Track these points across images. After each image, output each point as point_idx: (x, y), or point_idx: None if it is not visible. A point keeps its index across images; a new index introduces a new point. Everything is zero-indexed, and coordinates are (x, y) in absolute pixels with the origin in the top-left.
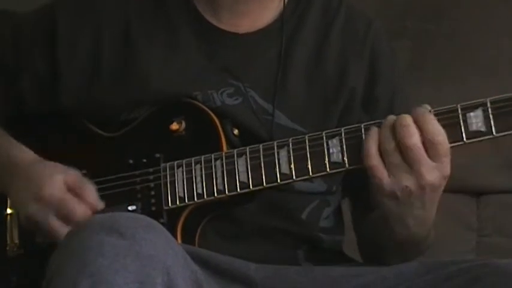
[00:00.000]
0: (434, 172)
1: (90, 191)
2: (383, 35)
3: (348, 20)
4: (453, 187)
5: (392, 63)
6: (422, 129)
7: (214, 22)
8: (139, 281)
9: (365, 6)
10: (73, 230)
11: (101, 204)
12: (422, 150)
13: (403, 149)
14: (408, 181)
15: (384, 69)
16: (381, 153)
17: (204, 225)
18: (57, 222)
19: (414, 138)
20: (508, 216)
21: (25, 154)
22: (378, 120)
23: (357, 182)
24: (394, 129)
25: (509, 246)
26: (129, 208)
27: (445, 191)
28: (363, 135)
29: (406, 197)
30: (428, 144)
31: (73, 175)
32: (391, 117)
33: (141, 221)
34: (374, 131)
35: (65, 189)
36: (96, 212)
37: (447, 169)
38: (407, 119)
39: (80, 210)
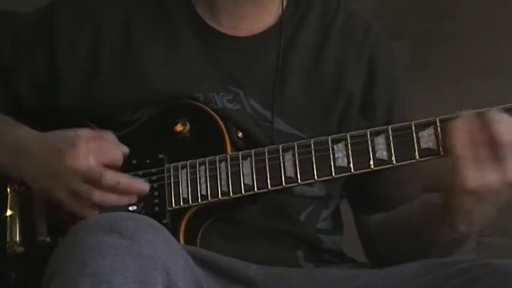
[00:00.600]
0: None
1: (112, 142)
2: (382, 38)
3: (347, 23)
4: None
5: (391, 67)
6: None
7: (213, 25)
8: (139, 281)
9: (365, 7)
10: (72, 231)
11: (125, 149)
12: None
13: (496, 144)
14: (493, 177)
15: (383, 73)
16: (467, 147)
17: (206, 226)
18: (86, 187)
19: (509, 136)
20: (508, 216)
21: (27, 131)
22: (383, 126)
23: (359, 185)
24: (486, 123)
25: (509, 246)
26: (130, 208)
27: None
28: (369, 141)
29: (485, 193)
30: None
31: (88, 133)
32: (478, 111)
33: (141, 221)
34: (463, 121)
35: (88, 149)
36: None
37: None
38: (504, 116)
39: (107, 176)
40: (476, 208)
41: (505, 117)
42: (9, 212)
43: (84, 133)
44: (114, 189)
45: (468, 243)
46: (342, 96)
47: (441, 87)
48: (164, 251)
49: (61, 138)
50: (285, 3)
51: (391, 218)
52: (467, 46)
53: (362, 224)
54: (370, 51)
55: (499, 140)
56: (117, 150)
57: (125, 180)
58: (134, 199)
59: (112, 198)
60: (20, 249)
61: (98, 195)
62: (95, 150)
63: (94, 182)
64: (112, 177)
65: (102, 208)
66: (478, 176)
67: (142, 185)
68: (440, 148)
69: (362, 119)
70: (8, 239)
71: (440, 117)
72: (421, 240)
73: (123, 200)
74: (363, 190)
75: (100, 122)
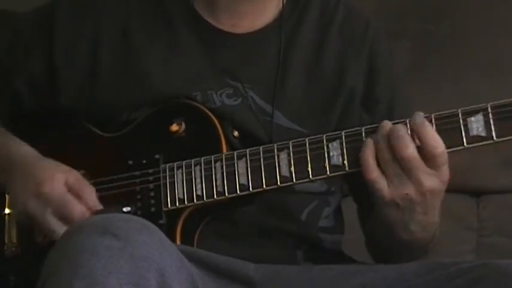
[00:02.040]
0: (433, 179)
1: (90, 193)
2: (382, 35)
3: (347, 19)
4: (453, 187)
5: (391, 64)
6: (421, 140)
7: (213, 22)
8: (133, 283)
9: (365, 6)
10: (67, 232)
11: (99, 207)
12: (419, 160)
13: (399, 160)
14: (408, 189)
15: (384, 69)
16: (379, 163)
17: (203, 226)
18: (54, 220)
19: (410, 150)
20: (508, 216)
21: (25, 150)
22: (378, 124)
23: (359, 181)
24: (389, 139)
25: (509, 246)
26: (124, 210)
27: (445, 190)
28: (364, 139)
29: (407, 204)
30: (426, 156)
31: (74, 175)
32: (387, 126)
33: (135, 222)
34: (370, 142)
35: (65, 189)
36: (93, 213)
37: (446, 175)
38: (402, 130)
39: (78, 210)
40: (404, 217)
41: (404, 132)
42: (7, 211)
43: (59, 182)
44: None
45: (468, 243)
46: (343, 92)
47: (441, 87)
48: (158, 252)
49: (35, 176)
50: (284, 0)
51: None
52: (467, 46)
53: (365, 220)
54: (370, 47)
55: (401, 155)
56: (79, 210)
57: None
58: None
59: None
60: (18, 250)
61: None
62: (55, 203)
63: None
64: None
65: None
66: (393, 190)
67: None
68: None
69: (365, 114)
70: (6, 241)
71: (436, 114)
72: (390, 241)
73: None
74: (363, 187)
75: (99, 122)
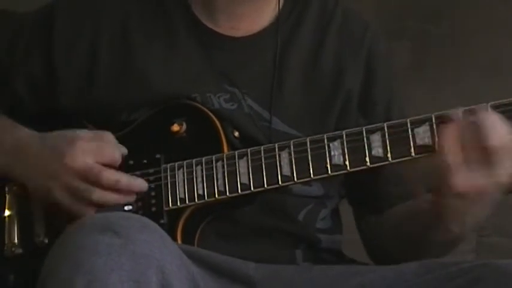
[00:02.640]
0: (508, 172)
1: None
2: (380, 37)
3: (344, 22)
4: None
5: (389, 65)
6: (502, 131)
7: (211, 26)
8: (134, 280)
9: (364, 6)
10: (67, 230)
11: (124, 150)
12: (503, 152)
13: (487, 149)
14: (484, 180)
15: (381, 72)
16: (457, 149)
17: (204, 225)
18: (84, 185)
19: (499, 140)
20: (508, 216)
21: (24, 132)
22: (379, 124)
23: (359, 184)
24: (477, 127)
25: (509, 246)
26: (125, 208)
27: None
28: (365, 138)
29: (476, 196)
30: (507, 147)
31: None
32: (469, 112)
33: (136, 220)
34: (453, 125)
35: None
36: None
37: None
38: (495, 120)
39: (106, 175)
40: (466, 209)
41: (497, 121)
42: (7, 213)
43: (83, 133)
44: (113, 187)
45: (468, 243)
46: (340, 95)
47: (441, 86)
48: (159, 250)
49: (60, 139)
50: (281, 3)
51: (395, 216)
52: (467, 46)
53: (363, 223)
54: (368, 50)
55: (489, 145)
56: (116, 150)
57: (124, 178)
58: (133, 198)
59: (111, 197)
60: (19, 250)
61: (97, 194)
62: (93, 150)
63: (93, 181)
64: (111, 176)
65: (101, 207)
66: (467, 178)
67: (141, 184)
68: (436, 145)
69: (361, 117)
70: (6, 241)
71: (436, 113)
72: (423, 238)
73: (122, 198)
74: (362, 189)
75: (98, 122)
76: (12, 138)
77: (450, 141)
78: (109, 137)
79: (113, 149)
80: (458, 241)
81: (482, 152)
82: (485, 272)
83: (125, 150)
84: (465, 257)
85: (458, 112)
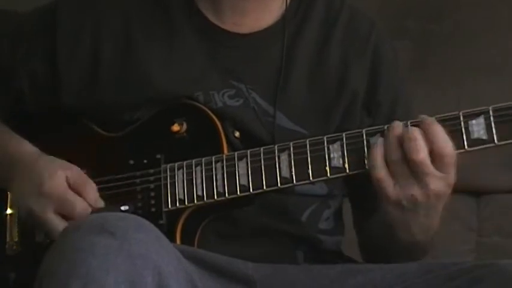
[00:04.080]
0: (440, 182)
1: (91, 189)
2: (386, 37)
3: (351, 20)
4: (453, 187)
5: (394, 66)
6: (430, 140)
7: (216, 22)
8: (130, 281)
9: (366, 5)
10: (63, 232)
11: (101, 203)
12: (429, 165)
13: (410, 163)
14: (414, 190)
15: (386, 72)
16: (387, 162)
17: (204, 226)
18: (56, 217)
19: (422, 154)
20: (508, 216)
21: (26, 148)
22: (379, 126)
23: (357, 184)
24: (401, 140)
25: (509, 246)
26: (122, 208)
27: None
28: (365, 141)
29: (411, 206)
30: (436, 156)
31: (75, 172)
32: (398, 126)
33: (132, 220)
34: (381, 141)
35: (66, 186)
36: (94, 209)
37: (452, 178)
38: (415, 133)
39: (80, 207)
40: (407, 219)
41: (426, 128)
42: (9, 211)
43: (60, 179)
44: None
45: (468, 243)
46: (345, 93)
47: (442, 86)
48: (156, 250)
49: (37, 174)
50: (288, 0)
51: (377, 220)
52: (468, 45)
53: (360, 223)
54: (374, 49)
55: (413, 158)
56: (81, 205)
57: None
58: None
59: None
60: (20, 249)
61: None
62: (57, 201)
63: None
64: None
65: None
66: (399, 190)
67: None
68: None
69: (366, 116)
70: (7, 239)
71: (437, 116)
72: (387, 243)
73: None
74: (360, 189)
75: (100, 121)
76: (10, 151)
77: (379, 156)
78: (91, 192)
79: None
80: (417, 249)
81: (407, 165)
82: (485, 272)
83: (101, 204)
84: (465, 257)
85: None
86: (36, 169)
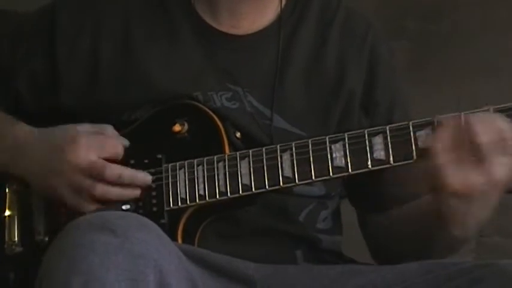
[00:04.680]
0: (503, 169)
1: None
2: (382, 37)
3: (347, 20)
4: None
5: (391, 66)
6: (491, 126)
7: (213, 24)
8: (131, 279)
9: (364, 6)
10: (64, 230)
11: (125, 142)
12: (493, 148)
13: (474, 147)
14: (477, 178)
15: (384, 72)
16: (448, 150)
17: (204, 226)
18: (85, 178)
19: (487, 136)
20: (508, 216)
21: (30, 128)
22: (382, 126)
23: (358, 184)
24: (462, 128)
25: (509, 246)
26: (123, 207)
27: None
28: (367, 141)
29: (470, 194)
30: (497, 142)
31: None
32: (453, 117)
33: (133, 219)
34: (441, 129)
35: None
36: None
37: None
38: (476, 119)
39: (110, 169)
40: (465, 210)
41: (486, 118)
42: (7, 212)
43: (84, 128)
44: (117, 182)
45: (468, 243)
46: (343, 94)
47: (441, 86)
48: (156, 249)
49: (61, 135)
50: (283, 1)
51: (397, 216)
52: (467, 46)
53: (366, 223)
54: (370, 49)
55: (477, 141)
56: (117, 144)
57: (127, 172)
58: (137, 192)
59: (114, 192)
60: (19, 249)
61: (100, 189)
62: (95, 144)
63: (96, 176)
64: (113, 170)
65: (106, 202)
66: (460, 177)
67: (144, 177)
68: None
69: (363, 117)
70: (6, 239)
71: (438, 116)
72: (425, 240)
73: (125, 192)
74: (366, 189)
75: (100, 121)
76: (11, 135)
77: (441, 143)
78: (110, 130)
79: (114, 142)
80: (460, 244)
81: (472, 150)
82: (485, 272)
83: (126, 143)
84: (465, 257)
85: (459, 116)
86: (50, 141)
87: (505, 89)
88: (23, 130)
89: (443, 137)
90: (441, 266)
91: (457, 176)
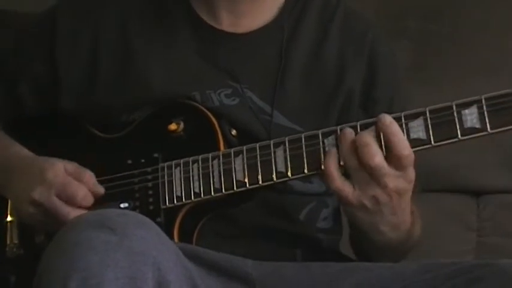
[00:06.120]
0: (399, 180)
1: (90, 176)
2: (382, 36)
3: (347, 18)
4: (453, 187)
5: (391, 65)
6: (388, 141)
7: (212, 23)
8: (129, 276)
9: (365, 5)
10: (63, 228)
11: (101, 189)
12: (386, 167)
13: (366, 167)
14: (374, 191)
15: (383, 71)
16: (343, 169)
17: (202, 225)
18: (61, 202)
19: (377, 159)
20: (508, 216)
21: (24, 152)
22: (374, 119)
23: None
24: (354, 146)
25: (509, 246)
26: (121, 206)
27: (445, 191)
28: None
29: (374, 206)
30: (393, 157)
31: (72, 164)
32: (350, 134)
33: (132, 217)
34: (333, 151)
35: (65, 174)
36: (96, 195)
37: (412, 175)
38: (367, 138)
39: (82, 192)
40: (376, 220)
41: (369, 138)
42: (9, 218)
43: (59, 168)
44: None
45: (468, 243)
46: (342, 92)
47: (442, 87)
48: (155, 247)
49: (36, 167)
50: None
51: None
52: (468, 46)
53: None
54: (370, 48)
55: (368, 165)
56: (83, 190)
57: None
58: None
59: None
60: (20, 251)
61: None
62: (59, 187)
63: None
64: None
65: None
66: (359, 193)
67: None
68: (432, 139)
69: (362, 115)
70: (7, 242)
71: (430, 107)
72: (363, 243)
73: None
74: None
75: (99, 123)
76: (5, 157)
77: (330, 167)
78: (87, 176)
79: (80, 189)
80: (398, 246)
81: (365, 169)
82: (485, 272)
83: (101, 190)
84: (465, 257)
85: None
86: (36, 163)
87: (505, 89)
88: (15, 154)
89: (334, 160)
90: (440, 265)
91: (356, 192)
